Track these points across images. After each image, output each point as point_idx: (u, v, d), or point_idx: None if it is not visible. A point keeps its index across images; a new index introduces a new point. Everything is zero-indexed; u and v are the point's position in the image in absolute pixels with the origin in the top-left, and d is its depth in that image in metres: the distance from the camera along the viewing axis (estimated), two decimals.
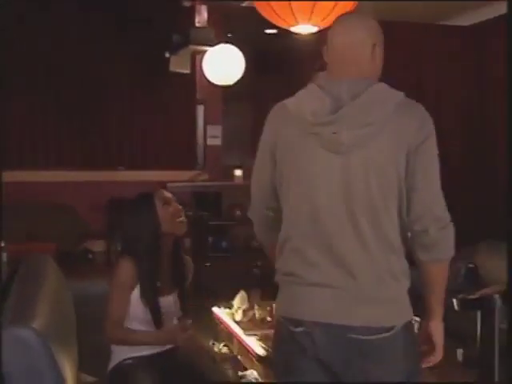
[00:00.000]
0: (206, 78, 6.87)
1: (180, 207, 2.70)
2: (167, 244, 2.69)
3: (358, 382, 1.90)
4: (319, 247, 1.90)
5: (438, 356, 2.00)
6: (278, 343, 2.05)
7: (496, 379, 2.71)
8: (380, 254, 1.83)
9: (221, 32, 7.15)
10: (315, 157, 1.88)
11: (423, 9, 6.48)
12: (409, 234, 1.88)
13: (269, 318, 3.95)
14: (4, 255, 3.87)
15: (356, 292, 1.84)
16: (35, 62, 7.24)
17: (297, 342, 1.92)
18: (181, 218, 2.67)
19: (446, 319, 2.02)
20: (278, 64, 9.58)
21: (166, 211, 2.64)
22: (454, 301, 2.05)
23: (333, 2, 3.45)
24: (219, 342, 3.63)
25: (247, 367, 3.43)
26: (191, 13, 7.07)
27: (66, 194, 7.13)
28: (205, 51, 6.67)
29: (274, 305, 4.05)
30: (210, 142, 8.09)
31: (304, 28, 3.70)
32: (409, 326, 1.88)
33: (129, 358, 2.62)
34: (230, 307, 4.12)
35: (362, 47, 1.93)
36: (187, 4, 6.90)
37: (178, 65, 7.07)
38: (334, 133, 1.82)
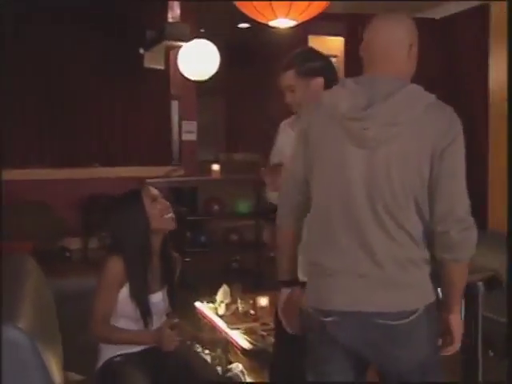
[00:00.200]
0: (179, 74, 6.84)
1: (168, 203, 2.69)
2: (156, 241, 2.68)
3: (387, 365, 1.99)
4: (346, 235, 1.96)
5: (456, 346, 2.10)
6: (308, 333, 2.11)
7: (479, 365, 2.77)
8: (402, 243, 1.91)
9: (193, 27, 7.14)
10: (343, 149, 1.94)
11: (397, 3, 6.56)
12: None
13: (252, 312, 3.98)
14: None
15: (381, 279, 1.91)
16: (12, 62, 7.16)
17: (327, 331, 1.99)
18: (169, 214, 2.67)
19: None
20: (252, 59, 9.60)
21: (154, 208, 2.63)
22: (438, 289, 2.10)
23: None
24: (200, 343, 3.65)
25: (232, 360, 3.47)
26: (163, 9, 7.06)
27: (42, 192, 7.08)
28: (179, 47, 6.64)
29: (256, 298, 4.13)
30: (185, 137, 8.08)
31: (282, 22, 3.73)
32: (431, 307, 1.97)
33: (118, 355, 2.61)
34: (213, 301, 4.14)
35: (400, 47, 1.99)
36: None
37: (153, 61, 7.05)
38: (365, 129, 1.88)
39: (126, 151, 8.07)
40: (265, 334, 3.53)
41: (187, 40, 6.47)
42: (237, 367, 3.26)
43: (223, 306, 4.06)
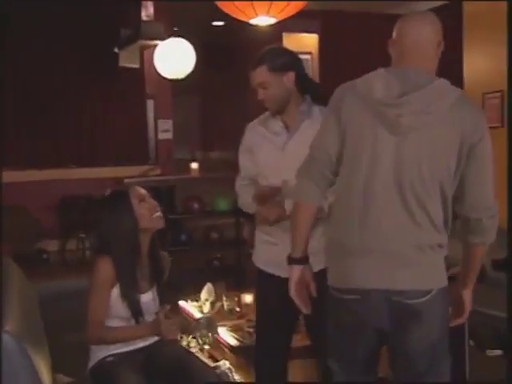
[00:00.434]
0: (155, 72, 6.83)
1: (155, 202, 2.69)
2: (145, 241, 2.67)
3: (405, 340, 2.07)
4: (369, 217, 2.03)
5: (464, 318, 2.26)
6: (331, 312, 2.19)
7: (467, 360, 2.84)
8: (425, 229, 2.02)
9: (167, 26, 7.13)
10: (375, 133, 2.02)
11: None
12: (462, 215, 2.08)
13: (237, 309, 3.99)
14: None
15: (400, 260, 2.01)
16: None
17: (348, 307, 2.09)
18: (158, 213, 2.67)
19: None
20: (226, 56, 9.60)
21: (142, 208, 2.63)
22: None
23: None
24: (187, 336, 3.65)
25: (218, 358, 3.48)
26: (137, 7, 7.02)
27: (18, 195, 6.99)
28: (154, 45, 6.63)
29: (241, 295, 4.13)
30: (161, 136, 8.06)
31: (262, 20, 3.77)
32: (444, 291, 2.08)
33: (110, 355, 2.60)
34: (197, 300, 4.13)
35: (430, 45, 2.09)
36: None
37: (128, 60, 7.02)
38: (399, 115, 1.97)
39: (102, 151, 8.01)
40: (251, 330, 3.53)
41: (162, 39, 6.46)
42: (224, 365, 3.27)
43: (208, 304, 4.04)
